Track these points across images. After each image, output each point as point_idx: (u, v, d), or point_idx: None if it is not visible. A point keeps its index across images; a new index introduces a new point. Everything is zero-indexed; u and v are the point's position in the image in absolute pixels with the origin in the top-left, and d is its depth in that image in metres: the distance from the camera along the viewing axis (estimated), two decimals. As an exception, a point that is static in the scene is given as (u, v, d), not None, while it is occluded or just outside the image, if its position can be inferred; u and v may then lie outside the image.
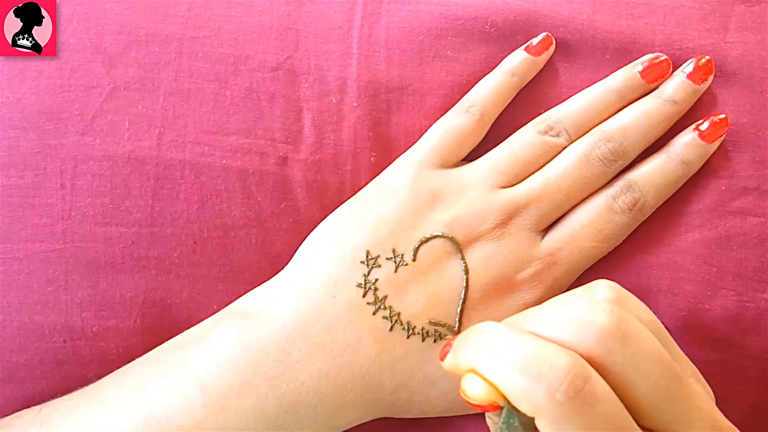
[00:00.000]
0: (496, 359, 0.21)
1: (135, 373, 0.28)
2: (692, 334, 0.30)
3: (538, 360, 0.20)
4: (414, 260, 0.28)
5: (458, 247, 0.29)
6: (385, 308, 0.28)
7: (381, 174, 0.31)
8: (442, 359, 0.23)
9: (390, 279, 0.28)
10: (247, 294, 0.30)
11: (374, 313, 0.28)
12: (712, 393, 0.24)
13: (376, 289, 0.28)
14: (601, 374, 0.20)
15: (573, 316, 0.21)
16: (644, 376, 0.20)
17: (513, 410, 0.21)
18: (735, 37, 0.32)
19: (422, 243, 0.29)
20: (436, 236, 0.29)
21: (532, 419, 0.20)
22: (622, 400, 0.20)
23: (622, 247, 0.30)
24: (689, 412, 0.21)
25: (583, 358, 0.20)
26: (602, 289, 0.23)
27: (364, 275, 0.28)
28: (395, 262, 0.28)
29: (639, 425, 0.21)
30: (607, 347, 0.20)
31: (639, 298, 0.29)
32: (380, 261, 0.28)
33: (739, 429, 0.30)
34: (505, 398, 0.20)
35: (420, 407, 0.29)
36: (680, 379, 0.21)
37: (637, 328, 0.21)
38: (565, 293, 0.23)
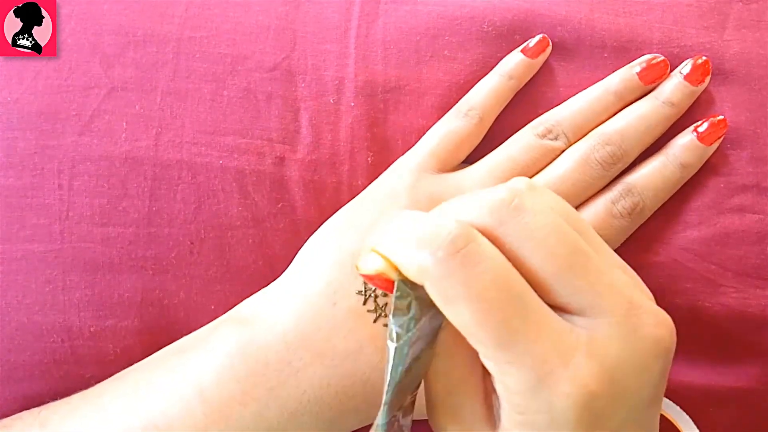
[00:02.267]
0: (393, 235, 0.21)
1: (134, 378, 0.28)
2: (693, 331, 0.30)
3: (428, 229, 0.20)
4: None
5: None
6: (385, 316, 0.28)
7: (379, 178, 0.31)
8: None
9: None
10: (245, 300, 0.30)
11: (375, 321, 0.28)
12: (649, 293, 0.23)
13: (376, 297, 0.28)
14: (497, 246, 0.20)
15: (475, 195, 0.21)
16: (537, 245, 0.20)
17: (406, 284, 0.21)
18: (733, 35, 0.31)
19: None
20: None
21: (425, 292, 0.20)
22: (519, 272, 0.20)
23: (621, 246, 0.30)
24: (595, 285, 0.20)
25: (479, 230, 0.20)
26: (516, 179, 0.23)
27: (364, 283, 0.28)
28: None
29: (548, 303, 0.20)
30: (499, 217, 0.20)
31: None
32: None
33: (741, 428, 0.30)
34: (397, 270, 0.21)
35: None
36: (585, 254, 0.20)
37: (533, 202, 0.21)
38: None
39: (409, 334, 0.21)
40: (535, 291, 0.20)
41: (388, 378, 0.21)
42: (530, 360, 0.19)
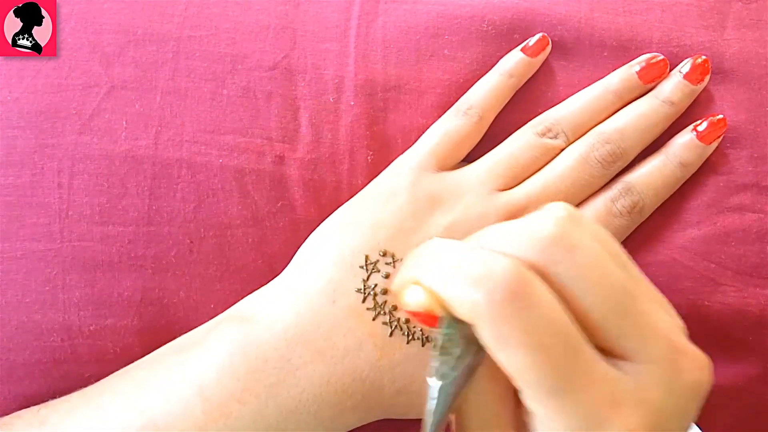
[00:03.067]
0: (438, 268, 0.20)
1: (134, 376, 0.28)
2: (692, 331, 0.30)
3: (478, 265, 0.19)
4: None
5: None
6: (384, 314, 0.28)
7: (379, 177, 0.31)
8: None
9: (389, 284, 0.28)
10: (245, 298, 0.30)
11: (374, 319, 0.28)
12: (681, 324, 0.23)
13: (375, 295, 0.28)
14: (546, 284, 0.20)
15: (521, 228, 0.21)
16: (590, 287, 0.20)
17: (452, 320, 0.20)
18: (732, 35, 0.31)
19: None
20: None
21: (471, 331, 0.20)
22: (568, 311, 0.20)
23: (621, 245, 0.30)
24: (641, 329, 0.20)
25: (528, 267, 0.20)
26: (556, 207, 0.22)
27: (364, 280, 0.28)
28: (394, 267, 0.28)
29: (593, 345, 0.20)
30: (551, 256, 0.20)
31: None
32: (379, 266, 0.28)
33: (741, 427, 0.30)
34: (444, 307, 0.20)
35: (420, 409, 0.28)
36: (631, 295, 0.20)
37: (584, 240, 0.20)
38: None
39: (455, 373, 0.20)
40: (582, 328, 0.20)
41: (432, 418, 0.20)
42: (582, 410, 0.19)
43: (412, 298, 0.21)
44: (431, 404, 0.20)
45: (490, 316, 0.19)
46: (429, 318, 0.21)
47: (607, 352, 0.20)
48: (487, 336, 0.19)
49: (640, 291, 0.21)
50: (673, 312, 0.23)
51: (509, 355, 0.19)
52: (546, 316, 0.19)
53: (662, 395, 0.20)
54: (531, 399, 0.20)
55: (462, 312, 0.20)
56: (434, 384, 0.20)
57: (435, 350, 0.21)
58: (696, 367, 0.21)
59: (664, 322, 0.21)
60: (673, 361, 0.20)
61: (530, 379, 0.19)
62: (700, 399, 0.21)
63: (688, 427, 0.21)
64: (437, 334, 0.21)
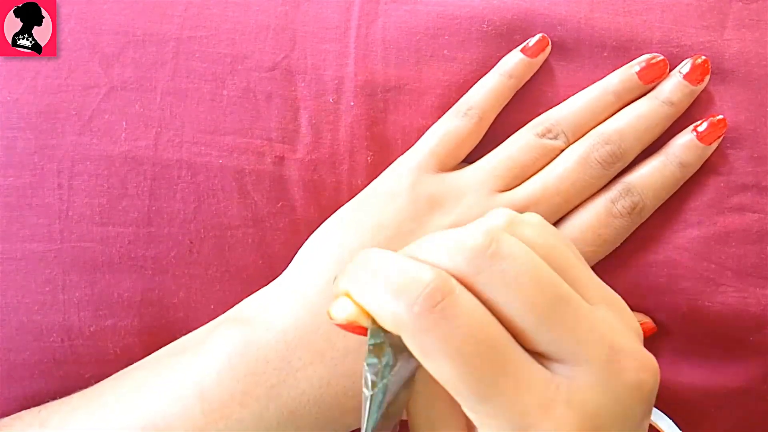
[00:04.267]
0: (366, 281, 0.21)
1: (134, 378, 0.28)
2: (692, 330, 0.30)
3: (403, 277, 0.20)
4: None
5: None
6: None
7: (378, 178, 0.31)
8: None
9: None
10: (245, 300, 0.30)
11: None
12: (636, 326, 0.23)
13: None
14: (474, 294, 0.20)
15: (449, 238, 0.21)
16: (516, 294, 0.20)
17: (379, 330, 0.20)
18: (732, 35, 0.31)
19: None
20: None
21: (400, 339, 0.20)
22: (500, 322, 0.20)
23: (621, 245, 0.30)
24: (575, 332, 0.20)
25: (455, 277, 0.20)
26: (494, 213, 0.22)
27: None
28: None
29: (528, 350, 0.20)
30: (476, 266, 0.20)
31: (638, 296, 0.30)
32: None
33: (742, 427, 0.30)
34: (371, 318, 0.20)
35: None
36: (564, 300, 0.20)
37: (511, 247, 0.20)
38: None
39: (384, 380, 0.21)
40: (516, 338, 0.20)
41: (365, 424, 0.21)
42: (510, 414, 0.19)
43: (337, 311, 0.21)
44: (363, 413, 0.21)
45: (411, 327, 0.19)
46: (357, 329, 0.21)
47: (542, 355, 0.20)
48: (412, 347, 0.20)
49: (581, 286, 0.21)
50: (625, 311, 0.23)
51: (434, 365, 0.19)
52: (468, 324, 0.19)
53: (598, 396, 0.20)
54: (463, 406, 0.20)
55: (386, 323, 0.20)
56: (366, 393, 0.21)
57: (364, 360, 0.21)
58: (637, 366, 0.20)
59: (604, 322, 0.21)
60: (610, 362, 0.20)
61: (457, 387, 0.19)
62: (645, 400, 0.21)
63: (630, 429, 0.20)
64: (366, 343, 0.21)
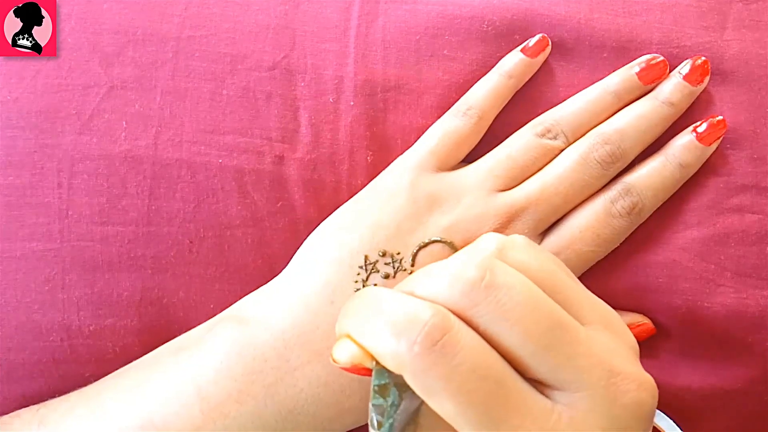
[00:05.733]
0: (366, 321, 0.21)
1: (132, 376, 0.28)
2: (691, 331, 0.30)
3: (402, 317, 0.20)
4: (413, 265, 0.28)
5: (456, 252, 0.28)
6: None
7: (378, 177, 0.31)
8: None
9: (388, 284, 0.28)
10: (243, 299, 0.30)
11: None
12: (632, 342, 0.23)
13: None
14: (472, 327, 0.20)
15: (445, 272, 0.21)
16: (513, 325, 0.20)
17: (383, 371, 0.21)
18: (732, 35, 0.31)
19: (421, 248, 0.28)
20: (434, 241, 0.28)
21: (403, 377, 0.20)
22: (499, 353, 0.20)
23: (620, 246, 0.30)
24: (572, 359, 0.20)
25: (453, 312, 0.20)
26: (484, 241, 0.22)
27: (363, 280, 0.28)
28: (394, 268, 0.28)
29: (527, 378, 0.20)
30: (471, 299, 0.20)
31: (637, 296, 0.30)
32: (379, 266, 0.28)
33: (741, 428, 0.30)
34: (374, 359, 0.20)
35: None
36: (561, 326, 0.20)
37: (505, 277, 0.20)
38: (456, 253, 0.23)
39: (390, 420, 0.21)
40: (514, 367, 0.20)
41: None
42: None
43: (339, 354, 0.21)
44: None
45: (412, 367, 0.19)
46: (361, 370, 0.21)
47: (541, 384, 0.21)
48: (414, 386, 0.20)
49: (572, 315, 0.21)
50: (620, 327, 0.23)
51: (437, 402, 0.19)
52: (468, 362, 0.19)
53: (600, 421, 0.20)
54: None
55: (387, 363, 0.20)
56: None
57: (370, 401, 0.21)
58: (635, 387, 0.21)
59: (601, 345, 0.21)
60: (609, 385, 0.20)
61: (461, 423, 0.19)
62: (645, 419, 0.21)
63: None
64: (371, 384, 0.21)
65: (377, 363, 0.21)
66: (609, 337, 0.22)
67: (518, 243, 0.23)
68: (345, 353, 0.21)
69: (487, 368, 0.20)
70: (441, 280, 0.21)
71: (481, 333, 0.20)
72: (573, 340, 0.20)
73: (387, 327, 0.20)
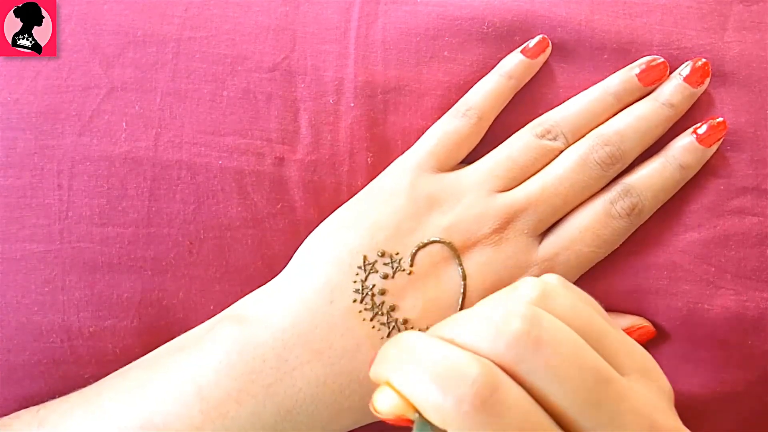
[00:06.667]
0: (408, 370, 0.20)
1: (132, 377, 0.28)
2: (692, 334, 0.30)
3: (447, 370, 0.19)
4: (412, 266, 0.28)
5: (456, 252, 0.28)
6: (382, 314, 0.28)
7: (378, 178, 0.31)
8: (369, 369, 0.22)
9: (387, 285, 0.28)
10: (242, 299, 0.30)
11: (372, 319, 0.28)
12: (667, 387, 0.23)
13: (373, 295, 0.28)
14: (517, 381, 0.20)
15: (488, 321, 0.20)
16: (560, 382, 0.20)
17: (425, 423, 0.20)
18: (733, 37, 0.31)
19: (420, 248, 0.29)
20: (433, 241, 0.29)
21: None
22: (543, 407, 0.20)
23: (620, 247, 0.30)
24: (619, 416, 0.20)
25: (498, 365, 0.20)
26: (525, 287, 0.22)
27: (362, 281, 0.28)
28: (393, 268, 0.28)
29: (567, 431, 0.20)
30: (518, 354, 0.20)
31: (637, 299, 0.30)
32: (378, 266, 0.28)
33: (740, 430, 0.30)
34: (416, 410, 0.20)
35: None
36: (606, 381, 0.20)
37: (552, 330, 0.20)
38: (494, 293, 0.23)
39: None
40: (557, 422, 0.20)
41: None
42: None
43: (382, 403, 0.21)
44: None
45: (460, 424, 0.19)
46: (403, 421, 0.21)
47: None
48: None
49: (625, 366, 0.21)
50: (656, 373, 0.23)
51: None
52: (516, 421, 0.19)
53: None
54: None
55: (431, 417, 0.19)
56: None
57: None
58: None
59: (642, 399, 0.21)
60: None
61: None
62: None
63: None
64: None
65: (420, 414, 0.20)
66: (648, 388, 0.22)
67: (557, 288, 0.22)
68: (386, 403, 0.20)
69: (535, 426, 0.19)
70: (484, 330, 0.20)
71: (526, 388, 0.20)
72: (617, 396, 0.20)
73: (431, 379, 0.19)
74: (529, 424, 0.19)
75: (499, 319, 0.20)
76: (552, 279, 0.23)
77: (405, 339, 0.21)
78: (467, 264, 0.28)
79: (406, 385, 0.20)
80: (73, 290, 0.30)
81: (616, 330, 0.23)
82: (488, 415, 0.19)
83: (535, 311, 0.20)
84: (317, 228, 0.30)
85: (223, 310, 0.30)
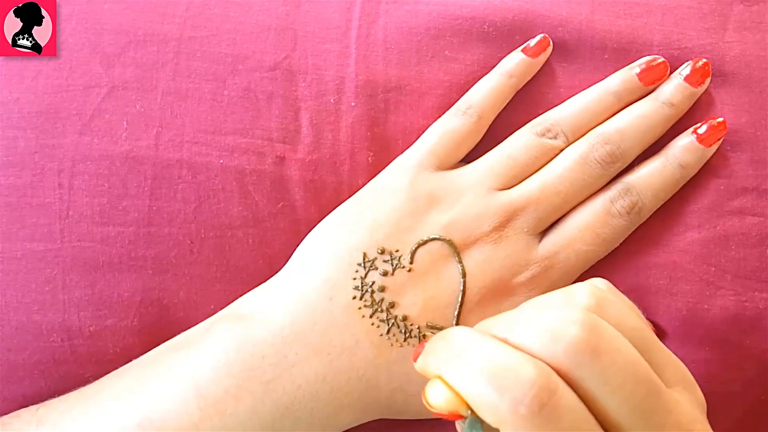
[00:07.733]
0: (462, 367, 0.20)
1: (131, 375, 0.28)
2: (691, 334, 0.30)
3: (504, 370, 0.19)
4: (411, 263, 0.28)
5: (455, 250, 0.29)
6: (382, 311, 0.28)
7: (378, 176, 0.31)
8: (414, 360, 0.23)
9: (387, 282, 0.28)
10: (242, 296, 0.30)
11: (371, 316, 0.28)
12: (702, 399, 0.23)
13: (373, 292, 0.28)
14: (571, 386, 0.20)
15: (545, 324, 0.21)
16: (615, 391, 0.20)
17: (477, 420, 0.20)
18: (734, 37, 0.31)
19: (419, 246, 0.29)
20: (433, 239, 0.29)
21: (497, 430, 0.20)
22: (593, 413, 0.20)
23: (620, 247, 0.30)
24: (665, 428, 0.20)
25: (553, 369, 0.20)
26: (582, 293, 0.22)
27: (361, 278, 0.28)
28: (392, 265, 0.28)
29: None
30: (576, 361, 0.20)
31: (637, 298, 0.30)
32: (377, 263, 0.28)
33: (738, 429, 0.30)
34: (468, 407, 0.20)
35: (416, 409, 0.29)
36: (657, 393, 0.20)
37: (610, 340, 0.20)
38: (547, 294, 0.23)
39: None
40: (606, 428, 0.20)
41: None
42: None
43: (435, 398, 0.21)
44: None
45: (515, 426, 0.19)
46: (454, 416, 0.21)
47: None
48: None
49: (668, 378, 0.21)
50: (693, 386, 0.23)
51: None
52: (572, 425, 0.19)
53: None
54: None
55: (485, 416, 0.20)
56: None
57: None
58: None
59: (686, 412, 0.21)
60: None
61: None
62: None
63: None
64: (461, 427, 0.21)
65: (472, 412, 0.20)
66: (690, 402, 0.22)
67: (609, 295, 0.22)
68: (440, 398, 0.21)
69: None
70: (541, 333, 0.20)
71: (579, 394, 0.20)
72: (665, 408, 0.20)
73: (487, 378, 0.20)
74: (582, 431, 0.19)
75: (557, 324, 0.20)
76: (602, 285, 0.23)
77: (456, 334, 0.21)
78: (467, 261, 0.28)
79: (459, 381, 0.20)
80: (73, 289, 0.30)
81: (659, 341, 0.23)
82: (544, 418, 0.19)
83: (593, 319, 0.20)
84: (317, 226, 0.30)
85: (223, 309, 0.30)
